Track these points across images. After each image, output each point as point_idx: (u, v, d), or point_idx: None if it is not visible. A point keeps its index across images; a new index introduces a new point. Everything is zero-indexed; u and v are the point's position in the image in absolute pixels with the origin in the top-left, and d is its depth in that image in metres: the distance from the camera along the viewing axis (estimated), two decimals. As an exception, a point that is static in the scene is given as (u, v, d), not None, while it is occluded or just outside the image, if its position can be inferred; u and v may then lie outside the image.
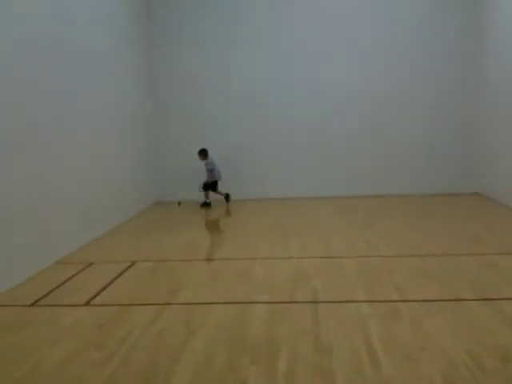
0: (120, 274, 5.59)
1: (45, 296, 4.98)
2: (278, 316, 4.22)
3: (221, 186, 10.12)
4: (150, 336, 3.94)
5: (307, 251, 6.30)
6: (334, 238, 6.87)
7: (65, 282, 5.41)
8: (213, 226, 8.21)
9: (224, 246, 6.77)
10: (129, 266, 5.89)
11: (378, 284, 4.89)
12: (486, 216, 8.03)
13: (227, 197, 10.17)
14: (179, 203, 9.93)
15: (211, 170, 9.95)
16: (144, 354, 3.65)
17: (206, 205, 9.93)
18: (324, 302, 4.51)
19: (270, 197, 10.40)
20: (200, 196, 9.98)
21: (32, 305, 4.76)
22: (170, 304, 4.62)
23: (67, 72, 6.71)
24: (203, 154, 9.93)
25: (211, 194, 10.00)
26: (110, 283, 5.29)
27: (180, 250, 6.68)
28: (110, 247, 6.94)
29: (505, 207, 8.47)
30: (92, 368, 3.48)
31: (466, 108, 10.07)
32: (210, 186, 10.00)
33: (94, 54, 7.57)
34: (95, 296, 4.92)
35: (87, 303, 4.75)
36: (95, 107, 7.64)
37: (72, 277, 5.58)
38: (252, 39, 10.25)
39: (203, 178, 9.97)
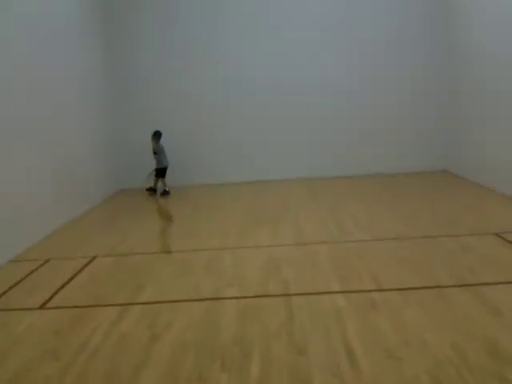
0: (79, 272, 5.23)
1: (-4, 299, 4.61)
2: (248, 313, 3.94)
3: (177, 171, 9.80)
4: (110, 342, 3.62)
5: (277, 238, 6.04)
6: (304, 222, 6.63)
7: (19, 282, 5.02)
8: (177, 215, 7.86)
9: (190, 236, 6.44)
10: (89, 262, 5.52)
11: (353, 272, 4.66)
12: (458, 195, 7.90)
13: (166, 193, 9.49)
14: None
15: (159, 155, 9.47)
16: (104, 363, 3.34)
17: (165, 193, 9.42)
18: (297, 294, 4.26)
19: (236, 181, 10.08)
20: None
21: (-18, 310, 4.39)
22: (132, 304, 4.29)
23: (30, 56, 6.32)
24: (157, 136, 9.43)
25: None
26: (67, 282, 4.92)
27: (143, 242, 6.32)
28: (69, 241, 6.53)
29: (475, 185, 8.35)
30: (48, 381, 3.15)
31: (437, 83, 9.86)
32: (162, 172, 9.54)
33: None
34: (51, 298, 4.55)
35: (42, 306, 4.38)
36: (54, 92, 7.26)
37: (27, 276, 5.19)
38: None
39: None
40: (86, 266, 5.42)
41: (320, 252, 5.34)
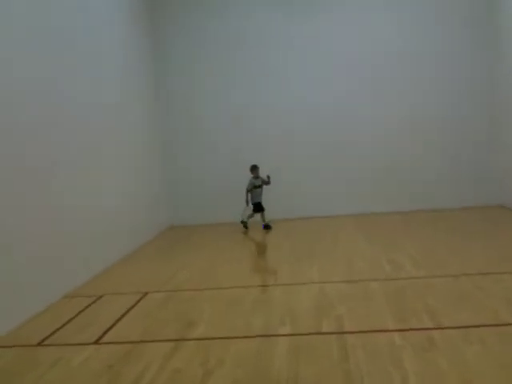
0: (131, 307, 5.27)
1: (52, 334, 4.68)
2: (302, 350, 3.85)
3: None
4: (164, 378, 3.60)
5: (330, 274, 5.95)
6: (357, 258, 6.50)
7: (73, 317, 5.11)
8: (227, 251, 7.87)
9: (240, 271, 6.42)
10: (141, 298, 5.57)
11: (409, 310, 4.51)
12: (516, 230, 7.60)
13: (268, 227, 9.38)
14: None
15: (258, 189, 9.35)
16: (157, 399, 3.32)
17: (268, 227, 9.28)
18: (351, 332, 4.14)
19: (288, 217, 10.02)
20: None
21: (38, 344, 4.47)
22: (184, 340, 4.28)
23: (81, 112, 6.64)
24: (256, 169, 9.36)
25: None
26: (120, 318, 4.97)
27: (194, 278, 6.35)
28: (121, 277, 6.64)
29: (533, 219, 8.04)
30: (101, 417, 3.16)
31: (490, 117, 9.67)
32: (258, 206, 9.39)
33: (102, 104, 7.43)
34: (105, 333, 4.60)
35: (97, 341, 4.43)
36: (109, 133, 7.56)
37: (81, 312, 5.27)
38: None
39: (219, 201, 9.67)
40: (138, 301, 5.46)
41: (374, 288, 5.21)
